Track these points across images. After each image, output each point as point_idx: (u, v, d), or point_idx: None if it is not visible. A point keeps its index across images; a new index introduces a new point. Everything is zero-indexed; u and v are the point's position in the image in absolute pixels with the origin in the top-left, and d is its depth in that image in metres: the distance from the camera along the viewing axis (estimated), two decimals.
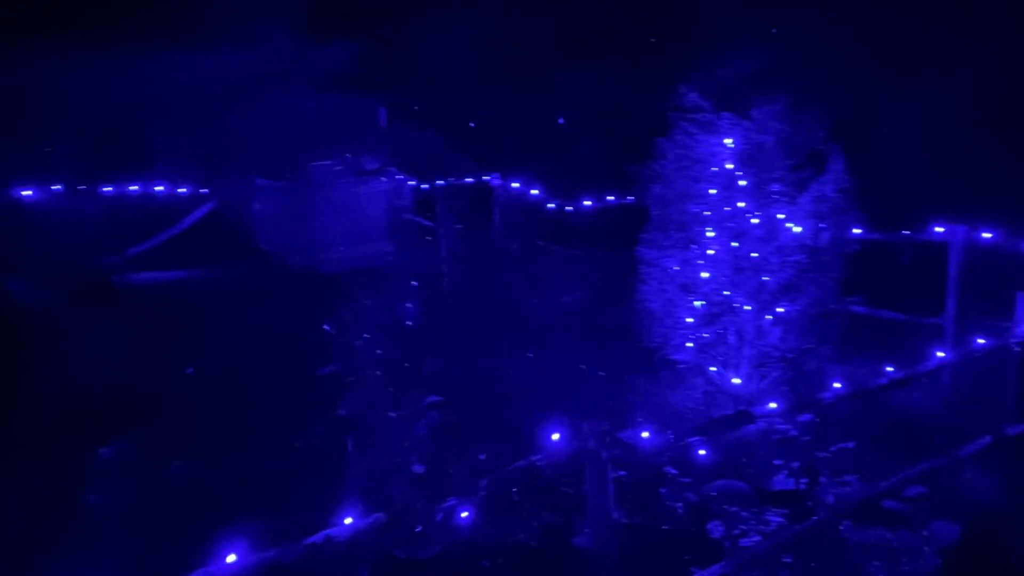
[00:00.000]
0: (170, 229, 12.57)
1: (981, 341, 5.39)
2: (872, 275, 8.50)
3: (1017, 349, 5.15)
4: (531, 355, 8.00)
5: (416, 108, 15.64)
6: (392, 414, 4.76)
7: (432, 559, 3.90)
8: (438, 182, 14.49)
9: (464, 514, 3.22)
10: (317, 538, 2.93)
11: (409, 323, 8.86)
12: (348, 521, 2.99)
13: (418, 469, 4.49)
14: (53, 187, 11.53)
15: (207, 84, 13.71)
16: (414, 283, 10.10)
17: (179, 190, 12.78)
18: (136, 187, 12.07)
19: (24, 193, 11.20)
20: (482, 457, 4.83)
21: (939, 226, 8.17)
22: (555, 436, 3.49)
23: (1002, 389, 5.46)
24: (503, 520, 4.50)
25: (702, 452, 4.69)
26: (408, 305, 9.73)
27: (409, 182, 15.10)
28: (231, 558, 2.74)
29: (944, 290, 8.07)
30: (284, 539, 2.91)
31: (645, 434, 3.71)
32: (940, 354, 5.48)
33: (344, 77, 14.12)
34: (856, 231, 8.09)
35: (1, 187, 10.97)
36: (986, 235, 7.87)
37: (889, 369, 5.15)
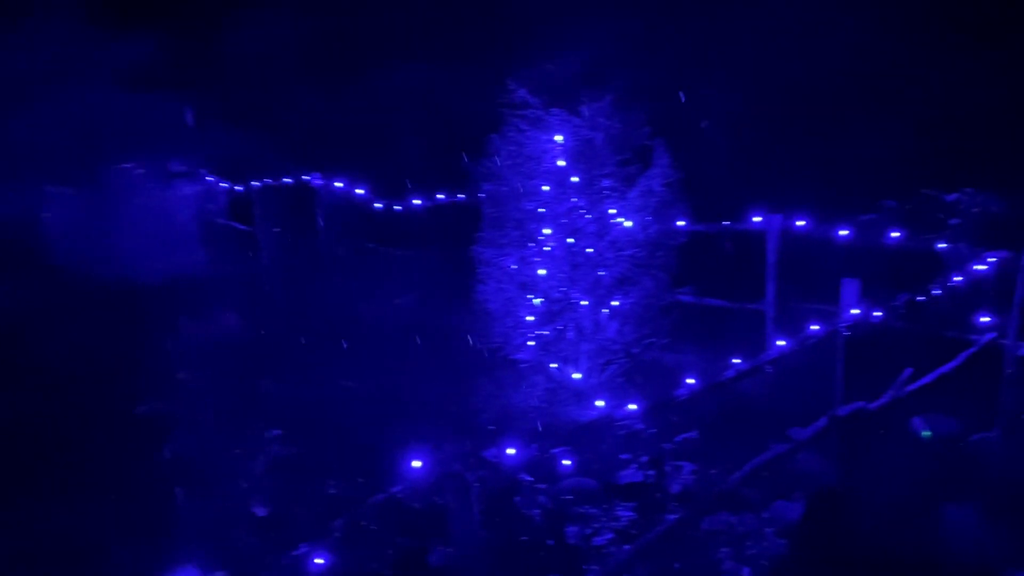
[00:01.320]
0: None
1: (815, 327, 5.62)
2: (699, 266, 8.79)
3: (845, 334, 5.40)
4: (370, 367, 7.59)
5: (228, 106, 14.67)
6: (227, 452, 4.24)
7: None
8: (254, 184, 13.69)
9: (319, 560, 2.86)
10: None
11: (233, 341, 8.23)
12: None
13: (260, 512, 4.02)
14: None
15: None
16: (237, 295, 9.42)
17: None
18: None
19: None
20: (332, 492, 4.42)
21: (757, 216, 8.55)
22: (416, 463, 3.21)
23: (832, 372, 5.73)
24: (355, 554, 4.15)
25: (567, 463, 4.56)
26: (230, 321, 9.06)
27: (222, 184, 14.18)
28: None
29: (764, 277, 8.45)
30: None
31: (511, 451, 3.50)
32: (780, 343, 5.66)
33: (145, 73, 12.96)
34: (681, 223, 8.33)
35: None
36: (800, 223, 8.32)
37: (736, 361, 5.24)
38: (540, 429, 4.54)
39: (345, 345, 8.27)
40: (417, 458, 3.22)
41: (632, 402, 7.18)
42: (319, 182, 12.78)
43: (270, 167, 13.72)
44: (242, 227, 13.63)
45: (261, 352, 7.80)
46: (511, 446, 3.69)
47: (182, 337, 6.15)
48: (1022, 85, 8.07)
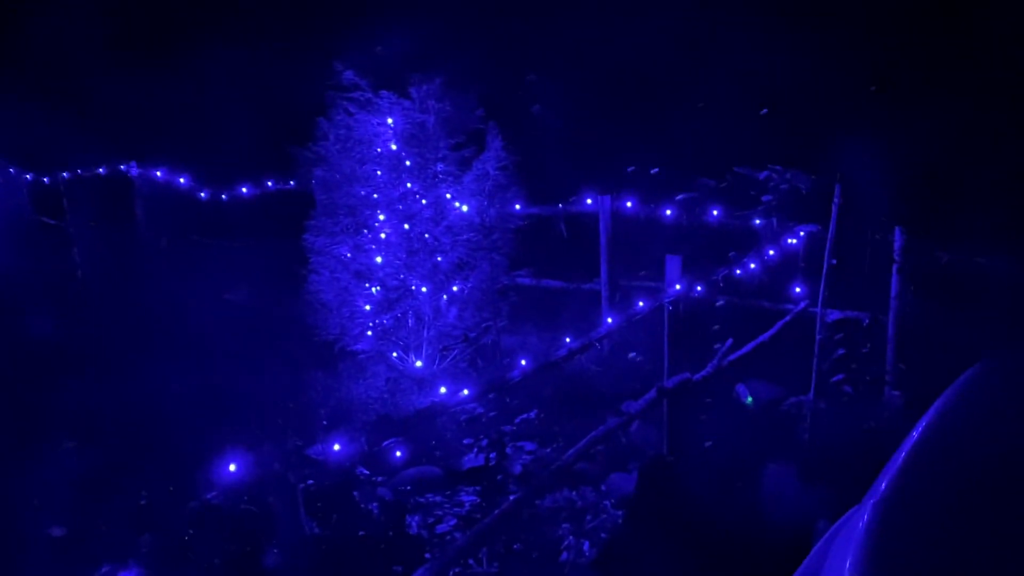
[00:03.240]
0: None
1: (641, 304, 5.79)
2: (536, 249, 8.89)
3: (669, 308, 5.59)
4: (195, 366, 7.15)
5: (31, 88, 13.43)
6: (18, 466, 3.82)
7: None
8: (63, 174, 12.62)
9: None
10: None
11: (38, 345, 7.52)
12: None
13: (57, 532, 3.64)
14: None
15: None
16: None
17: None
18: None
19: None
20: (143, 503, 4.08)
21: (588, 198, 8.74)
22: (232, 467, 3.00)
23: (659, 345, 5.93)
24: (180, 566, 3.87)
25: (398, 454, 4.45)
26: (35, 323, 8.29)
27: (24, 175, 12.98)
28: None
29: (598, 258, 8.66)
30: None
31: (336, 447, 3.36)
32: (608, 320, 5.79)
33: None
34: (517, 207, 8.39)
35: None
36: (628, 204, 8.57)
37: (568, 340, 5.31)
38: (373, 420, 4.39)
39: (168, 344, 7.75)
40: (235, 461, 3.03)
41: (473, 386, 7.21)
42: (136, 172, 11.94)
43: (81, 156, 12.68)
44: (51, 221, 12.53)
45: (69, 356, 7.17)
46: (342, 440, 3.54)
47: None
48: (827, 66, 8.65)
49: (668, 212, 8.25)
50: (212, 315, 8.70)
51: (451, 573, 5.20)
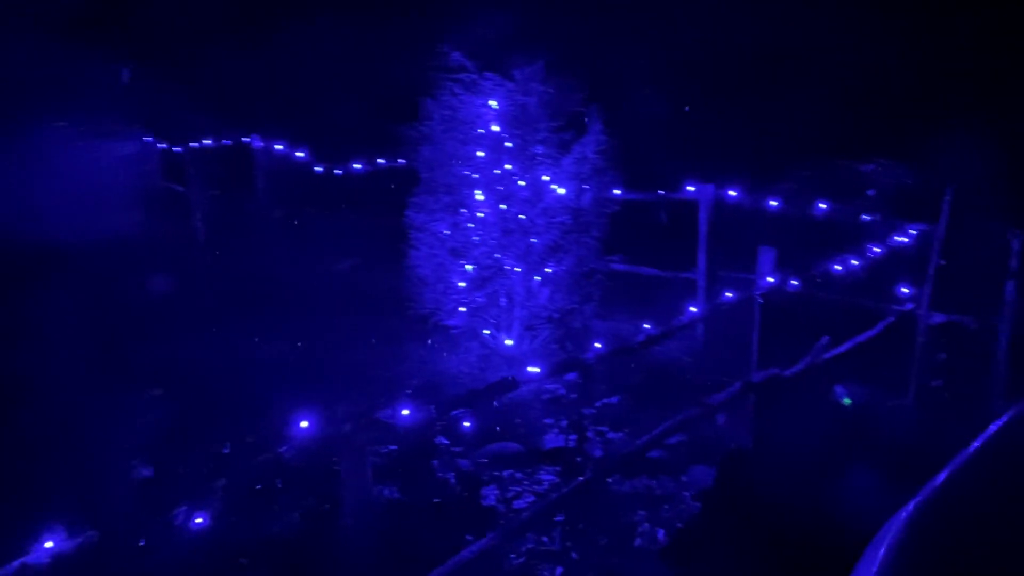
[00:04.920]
0: None
1: (728, 295, 5.69)
2: (632, 234, 8.83)
3: (760, 301, 5.47)
4: (298, 331, 7.50)
5: (168, 65, 14.27)
6: (118, 409, 4.15)
7: (177, 563, 3.45)
8: (191, 144, 13.37)
9: (198, 520, 2.83)
10: (6, 571, 2.42)
11: (154, 301, 8.07)
12: (49, 545, 2.50)
13: (144, 472, 3.96)
14: None
15: None
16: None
17: None
18: None
19: None
20: (226, 451, 4.36)
21: (690, 185, 8.60)
22: (304, 423, 3.17)
23: (744, 336, 5.81)
24: (256, 514, 4.12)
25: (467, 424, 4.56)
26: (156, 283, 8.88)
27: (158, 145, 13.82)
28: None
29: (696, 246, 8.53)
30: None
31: (405, 411, 3.48)
32: (692, 309, 5.72)
33: (77, 24, 12.51)
34: (616, 191, 8.35)
35: None
36: (732, 193, 8.39)
37: (646, 326, 5.29)
38: (449, 392, 4.51)
39: (274, 308, 8.16)
40: (308, 418, 3.19)
41: (557, 368, 7.27)
42: (259, 144, 12.53)
43: (209, 128, 13.40)
44: (178, 188, 13.33)
45: (182, 314, 7.65)
46: (413, 407, 3.68)
47: (102, 298, 6.00)
48: (935, 58, 8.20)
49: (770, 203, 8.02)
50: (317, 284, 9.09)
51: (523, 550, 5.31)
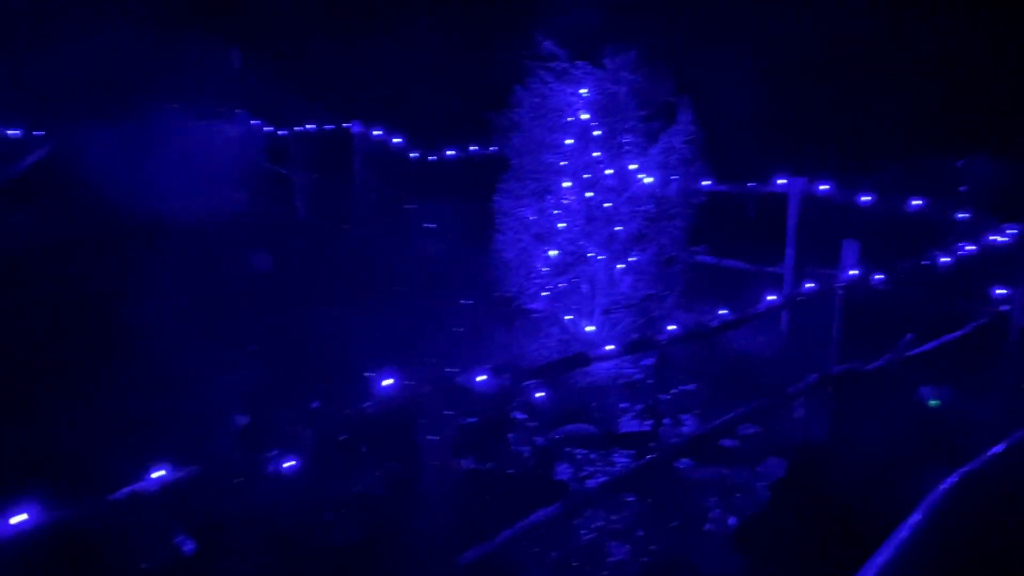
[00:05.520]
0: (2, 173, 11.54)
1: (809, 285, 5.67)
2: (717, 226, 8.80)
3: (841, 292, 5.44)
4: (385, 309, 7.82)
5: (275, 51, 14.89)
6: (222, 364, 4.51)
7: (263, 514, 3.76)
8: (295, 128, 13.93)
9: (290, 463, 3.09)
10: (119, 495, 2.73)
11: (255, 276, 8.54)
12: (158, 475, 2.80)
13: (241, 420, 4.32)
14: None
15: (33, 14, 12.53)
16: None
17: (10, 132, 11.80)
18: None
19: None
20: (315, 406, 4.69)
21: (781, 178, 8.52)
22: (387, 382, 3.40)
23: (827, 331, 5.78)
24: (342, 471, 4.40)
25: (540, 394, 4.72)
26: (257, 257, 9.37)
27: (264, 128, 14.44)
28: (18, 518, 2.50)
29: (784, 240, 8.45)
30: (82, 498, 2.68)
31: (481, 377, 3.68)
32: (771, 297, 5.73)
33: (192, 11, 13.23)
34: (703, 183, 8.34)
35: None
36: (823, 187, 8.27)
37: (722, 312, 5.33)
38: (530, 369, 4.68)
39: (365, 287, 8.51)
40: (392, 376, 3.42)
41: (639, 357, 7.36)
42: (358, 129, 12.97)
43: (312, 113, 13.93)
44: (281, 170, 13.92)
45: (279, 288, 8.10)
46: (491, 376, 3.87)
47: (210, 270, 6.47)
48: None
49: (861, 198, 7.87)
50: (406, 264, 9.42)
51: (592, 526, 5.45)
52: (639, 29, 7.91)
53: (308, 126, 13.97)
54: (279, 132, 14.24)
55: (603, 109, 7.87)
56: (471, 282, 8.72)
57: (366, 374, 3.65)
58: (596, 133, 7.91)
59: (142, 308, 5.56)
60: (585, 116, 7.91)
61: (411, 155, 12.74)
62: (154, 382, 4.74)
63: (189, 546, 3.62)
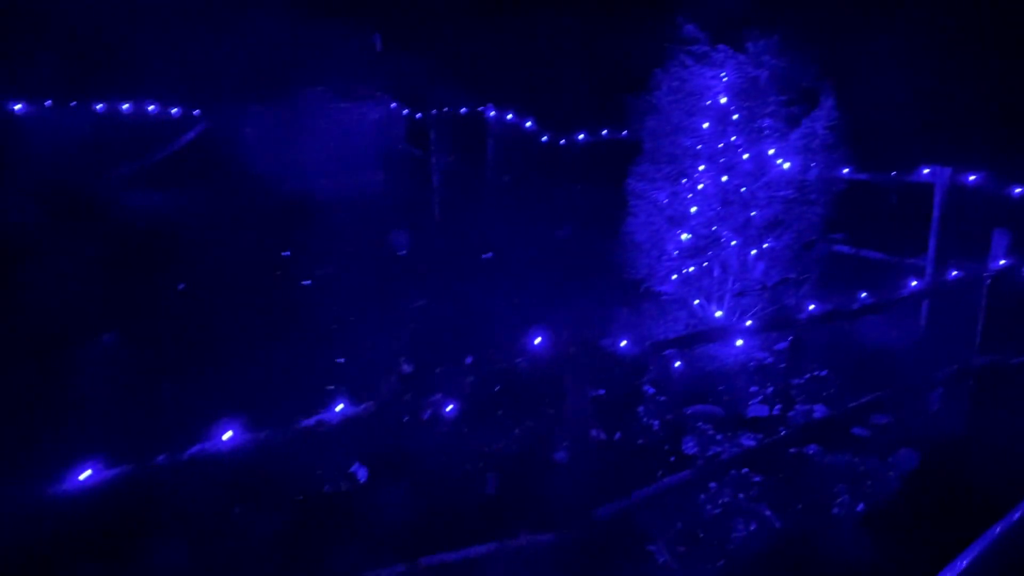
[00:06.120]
0: (162, 149, 12.51)
1: (954, 273, 5.55)
2: (857, 215, 8.62)
3: (987, 282, 5.30)
4: (517, 284, 8.12)
5: (411, 34, 15.43)
6: (386, 324, 4.89)
7: (417, 458, 4.10)
8: (432, 111, 14.43)
9: (449, 407, 3.39)
10: (309, 422, 3.09)
11: (398, 251, 9.02)
12: (339, 408, 3.15)
13: (406, 368, 4.68)
14: (45, 102, 11.47)
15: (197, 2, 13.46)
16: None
17: (171, 110, 12.71)
18: (128, 106, 12.01)
19: (15, 107, 11.15)
20: (469, 361, 5.02)
21: (926, 168, 8.26)
22: (537, 340, 3.65)
23: (972, 322, 5.64)
24: (487, 427, 4.70)
25: (677, 364, 4.87)
26: (397, 234, 9.88)
27: (403, 111, 15.02)
28: (226, 435, 2.90)
29: (927, 231, 8.20)
30: (277, 424, 3.07)
31: (624, 343, 3.88)
32: (914, 283, 5.64)
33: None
34: (844, 170, 8.20)
35: None
36: (971, 178, 7.98)
37: (863, 295, 5.30)
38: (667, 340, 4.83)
39: (497, 265, 8.84)
40: (542, 336, 3.67)
41: (772, 342, 7.35)
42: (492, 113, 13.34)
43: (448, 97, 14.39)
44: (418, 152, 14.46)
45: (422, 264, 8.57)
46: (633, 346, 4.05)
47: (352, 244, 7.00)
48: None
49: (1013, 190, 7.55)
50: (537, 245, 9.69)
51: (719, 502, 5.56)
52: (782, 12, 7.81)
53: (445, 109, 14.46)
54: (417, 115, 14.79)
55: (743, 93, 7.85)
56: (601, 264, 8.89)
57: (513, 342, 3.91)
58: (735, 117, 7.90)
59: (306, 272, 6.08)
60: (724, 100, 7.91)
61: (542, 139, 13.01)
62: (332, 334, 5.23)
63: (363, 474, 4.02)
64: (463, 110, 14.03)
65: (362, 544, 3.83)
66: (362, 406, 3.13)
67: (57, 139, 10.90)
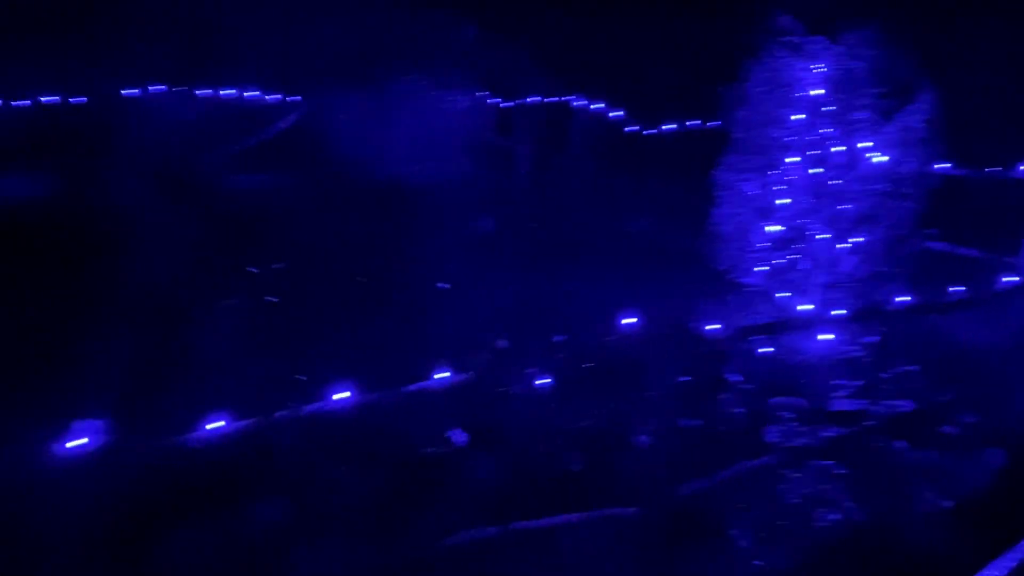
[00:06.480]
0: (261, 134, 12.98)
1: None
2: (954, 211, 8.41)
3: None
4: (601, 271, 8.22)
5: (501, 22, 15.55)
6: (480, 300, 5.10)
7: (509, 429, 4.30)
8: (519, 101, 14.54)
9: (540, 382, 3.56)
10: (413, 388, 3.31)
11: (485, 236, 9.27)
12: (441, 376, 3.36)
13: (501, 344, 4.90)
14: (153, 87, 12.06)
15: None
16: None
17: (269, 96, 13.17)
18: (232, 91, 12.50)
19: (127, 92, 11.76)
20: (560, 339, 5.20)
21: None
22: (626, 322, 3.78)
23: None
24: (574, 404, 4.87)
25: (763, 352, 4.93)
26: (483, 220, 10.10)
27: (491, 100, 15.17)
28: (339, 396, 3.14)
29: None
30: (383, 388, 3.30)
31: (711, 327, 3.97)
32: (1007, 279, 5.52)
33: None
34: (941, 165, 8.02)
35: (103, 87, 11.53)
36: None
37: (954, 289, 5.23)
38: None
39: (575, 253, 8.95)
40: (629, 320, 3.80)
41: (860, 335, 7.27)
42: (579, 103, 13.37)
43: (534, 86, 14.47)
44: (505, 141, 14.58)
45: (506, 249, 8.81)
46: (719, 330, 4.15)
47: (443, 229, 7.34)
48: None
49: None
50: (622, 235, 9.75)
51: (800, 492, 5.59)
52: (879, 2, 7.68)
53: (531, 99, 14.55)
54: (504, 104, 14.92)
55: (837, 85, 7.76)
56: (685, 254, 8.87)
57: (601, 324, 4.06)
58: (828, 109, 7.81)
59: (403, 253, 6.41)
60: (817, 91, 7.83)
61: (627, 129, 12.98)
62: (430, 308, 5.52)
63: (462, 439, 4.27)
64: (549, 99, 14.09)
65: (456, 505, 4.07)
66: (461, 375, 3.33)
67: (166, 124, 11.44)
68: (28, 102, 11.04)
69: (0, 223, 8.05)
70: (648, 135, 12.72)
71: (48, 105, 10.97)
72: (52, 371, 5.30)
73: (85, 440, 3.82)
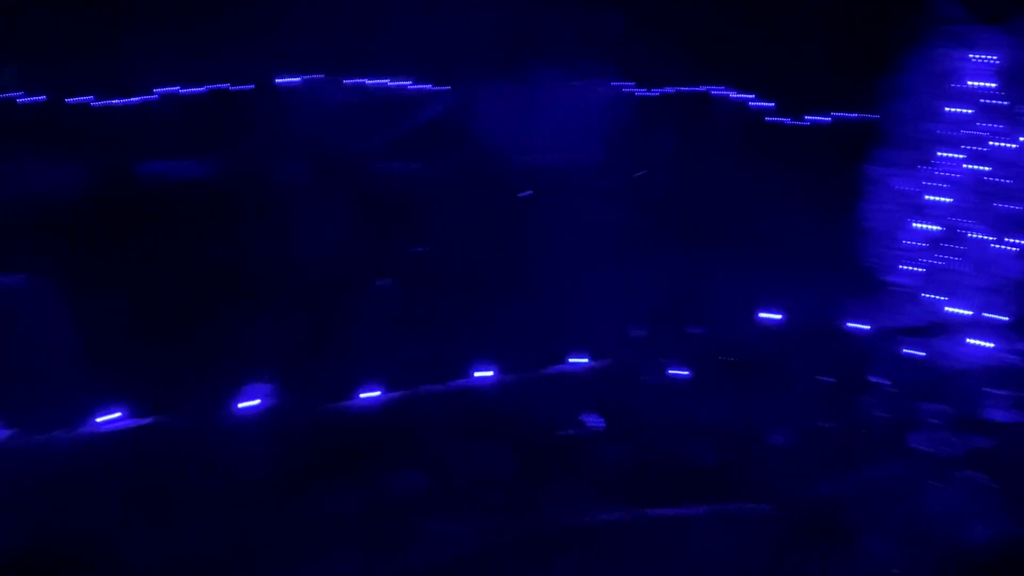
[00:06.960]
0: (413, 121, 13.40)
1: None
2: None
3: None
4: (741, 263, 8.08)
5: (644, 12, 15.38)
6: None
7: (644, 416, 4.36)
8: (659, 90, 14.37)
9: (677, 373, 3.59)
10: (554, 370, 3.43)
11: (620, 223, 9.28)
12: (579, 361, 3.45)
13: (637, 333, 4.95)
14: (309, 76, 12.66)
15: None
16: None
17: (419, 86, 13.59)
18: (386, 81, 12.97)
19: (286, 81, 12.42)
20: (696, 331, 5.20)
21: None
22: (766, 317, 3.74)
23: None
24: (710, 397, 4.85)
25: (911, 355, 4.74)
26: (616, 208, 10.07)
27: (632, 90, 15.05)
28: (482, 374, 3.29)
29: None
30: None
31: (856, 327, 3.87)
32: None
33: None
34: None
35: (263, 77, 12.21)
36: None
37: None
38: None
39: (722, 242, 8.79)
40: (770, 315, 3.76)
41: (1018, 343, 6.85)
42: (720, 92, 13.08)
43: (676, 75, 14.24)
44: (644, 130, 14.45)
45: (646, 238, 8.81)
46: (865, 330, 4.04)
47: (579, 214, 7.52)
48: None
49: None
50: (762, 232, 9.50)
51: (945, 500, 5.34)
52: None
53: (671, 88, 14.33)
54: (645, 93, 14.78)
55: (1007, 78, 7.28)
56: (829, 248, 8.55)
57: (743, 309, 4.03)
58: (995, 103, 7.35)
59: (546, 239, 6.61)
60: (983, 84, 7.38)
61: (768, 119, 12.57)
62: (571, 294, 5.70)
63: (594, 424, 4.37)
64: (688, 88, 13.84)
65: (589, 487, 4.17)
66: (599, 362, 3.41)
67: (325, 111, 11.98)
68: (203, 88, 11.79)
69: (177, 206, 8.69)
70: (793, 126, 12.29)
71: (217, 92, 11.70)
72: (231, 343, 5.79)
73: (257, 401, 4.31)
